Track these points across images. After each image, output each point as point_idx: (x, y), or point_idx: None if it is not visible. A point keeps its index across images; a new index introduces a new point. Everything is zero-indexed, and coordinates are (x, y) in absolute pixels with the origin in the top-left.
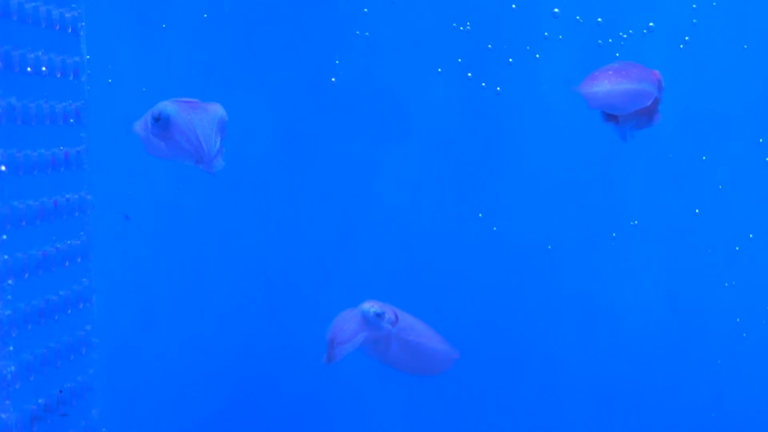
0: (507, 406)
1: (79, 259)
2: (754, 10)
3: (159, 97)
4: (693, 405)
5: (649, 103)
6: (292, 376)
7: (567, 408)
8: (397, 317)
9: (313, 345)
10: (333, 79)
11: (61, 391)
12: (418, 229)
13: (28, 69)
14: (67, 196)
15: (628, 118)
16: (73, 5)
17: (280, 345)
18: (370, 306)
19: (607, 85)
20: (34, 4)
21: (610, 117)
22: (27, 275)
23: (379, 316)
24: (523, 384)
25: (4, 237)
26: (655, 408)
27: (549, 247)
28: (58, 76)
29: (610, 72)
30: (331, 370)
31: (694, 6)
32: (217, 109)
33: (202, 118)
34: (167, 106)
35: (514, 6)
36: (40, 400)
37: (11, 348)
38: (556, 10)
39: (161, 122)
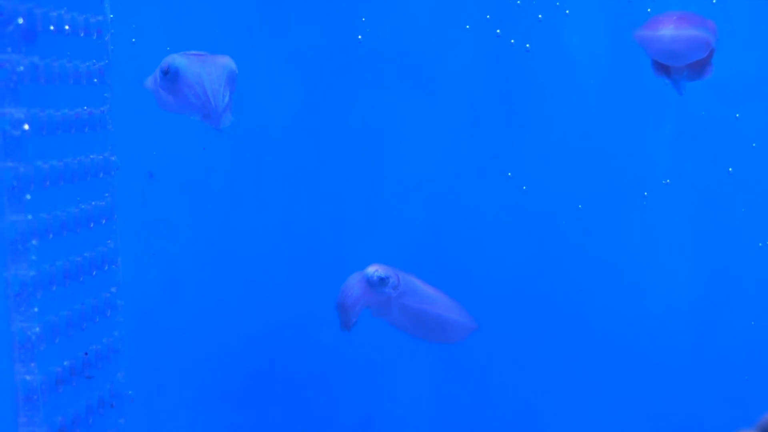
0: (533, 367)
1: (104, 221)
2: None
3: None
4: (724, 367)
5: (705, 54)
6: (319, 339)
7: (594, 372)
8: (399, 281)
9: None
10: (359, 37)
11: (86, 354)
12: (446, 188)
13: (51, 28)
14: (91, 156)
15: (681, 70)
16: None
17: (307, 306)
18: (374, 270)
19: (673, 29)
20: None
21: (661, 69)
22: (51, 236)
23: (383, 280)
24: (551, 346)
25: (28, 197)
26: (685, 370)
27: (579, 206)
28: (82, 35)
29: (675, 17)
30: (353, 335)
31: None
32: (227, 62)
33: (211, 71)
34: (176, 59)
35: None
36: (65, 363)
37: (36, 309)
38: None
39: (170, 75)
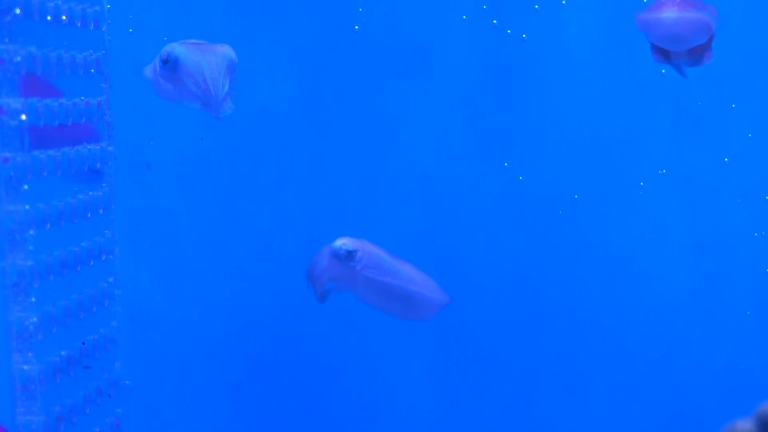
0: (529, 355)
1: (101, 211)
2: None
3: None
4: (720, 357)
5: (705, 39)
6: (316, 328)
7: (590, 361)
8: (366, 255)
9: (334, 296)
10: (356, 27)
11: (83, 343)
12: (443, 178)
13: (48, 18)
14: (88, 146)
15: (681, 55)
16: None
17: (304, 296)
18: (342, 244)
19: (676, 12)
20: None
21: (661, 55)
22: (48, 226)
23: (350, 254)
24: (548, 335)
25: (26, 187)
26: (681, 359)
27: (576, 196)
28: (79, 25)
29: (677, 1)
30: (353, 321)
31: None
32: (226, 51)
33: (210, 60)
34: (175, 48)
35: None
36: (62, 352)
37: (33, 299)
38: None
39: (169, 64)
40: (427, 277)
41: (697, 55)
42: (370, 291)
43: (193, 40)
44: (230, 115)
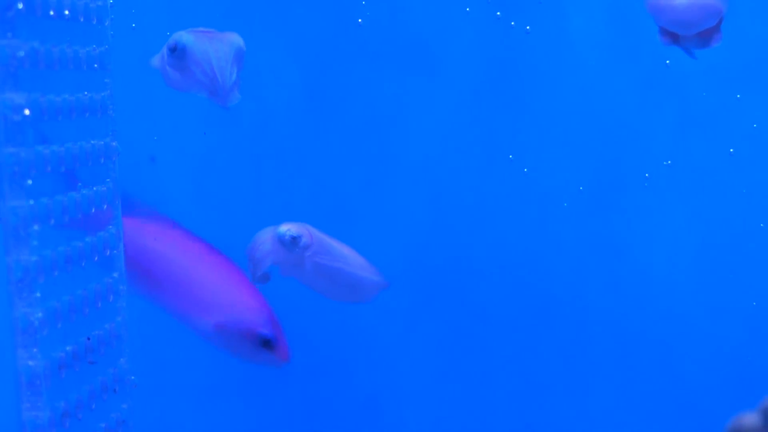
0: (530, 349)
1: (105, 206)
2: None
3: None
4: (726, 349)
5: (716, 22)
6: (320, 323)
7: (593, 353)
8: (312, 241)
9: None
10: (359, 20)
11: (88, 339)
12: (447, 171)
13: (51, 13)
14: (92, 141)
15: (690, 38)
16: None
17: (308, 291)
18: (287, 229)
19: None
20: None
21: (669, 38)
22: (53, 221)
23: (294, 239)
24: (552, 328)
25: (29, 182)
26: (686, 352)
27: (581, 188)
28: (81, 20)
29: None
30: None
31: None
32: (234, 39)
33: (218, 48)
34: (183, 36)
35: None
36: (67, 348)
37: (38, 295)
38: None
39: (177, 52)
40: (366, 261)
41: (705, 37)
42: (316, 276)
43: (202, 29)
44: (233, 109)
